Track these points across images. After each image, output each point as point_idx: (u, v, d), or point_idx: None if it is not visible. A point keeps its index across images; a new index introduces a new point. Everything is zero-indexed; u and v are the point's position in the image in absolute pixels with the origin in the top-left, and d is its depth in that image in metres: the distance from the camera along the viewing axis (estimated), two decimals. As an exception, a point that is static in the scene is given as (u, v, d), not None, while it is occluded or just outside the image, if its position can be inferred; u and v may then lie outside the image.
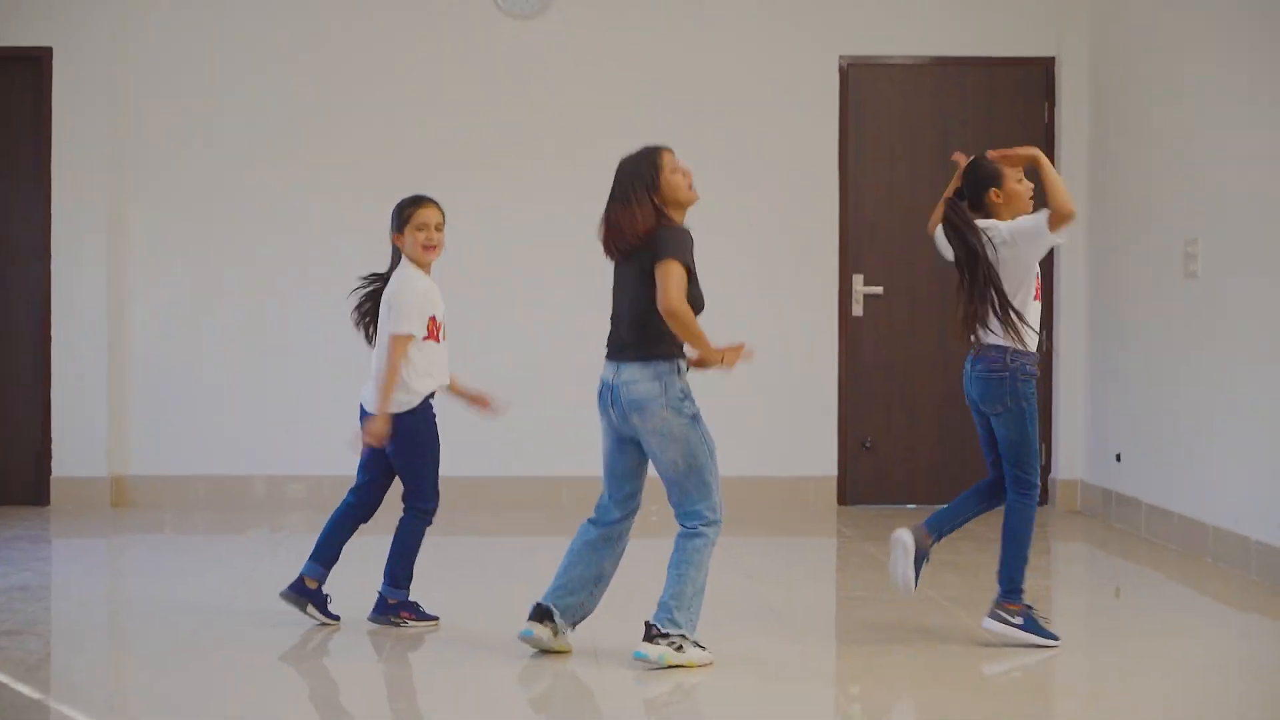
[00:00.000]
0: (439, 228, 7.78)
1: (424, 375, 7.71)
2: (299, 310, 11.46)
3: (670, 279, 6.90)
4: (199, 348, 11.46)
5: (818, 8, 11.62)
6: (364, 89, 11.54)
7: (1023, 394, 7.37)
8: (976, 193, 7.47)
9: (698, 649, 6.97)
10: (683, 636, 6.94)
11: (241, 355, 11.47)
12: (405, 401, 7.69)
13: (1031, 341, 7.38)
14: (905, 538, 7.53)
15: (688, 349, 7.03)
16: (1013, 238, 7.32)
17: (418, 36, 11.55)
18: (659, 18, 11.61)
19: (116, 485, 11.43)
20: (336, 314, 11.21)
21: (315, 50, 11.53)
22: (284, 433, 11.44)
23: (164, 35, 11.47)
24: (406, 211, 7.78)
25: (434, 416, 7.79)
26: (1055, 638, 7.39)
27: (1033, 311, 7.38)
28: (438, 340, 7.75)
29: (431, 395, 7.75)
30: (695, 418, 7.01)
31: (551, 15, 11.53)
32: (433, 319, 7.73)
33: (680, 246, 6.98)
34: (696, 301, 6.98)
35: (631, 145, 11.26)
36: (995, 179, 7.48)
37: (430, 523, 7.87)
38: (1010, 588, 7.45)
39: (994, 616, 7.45)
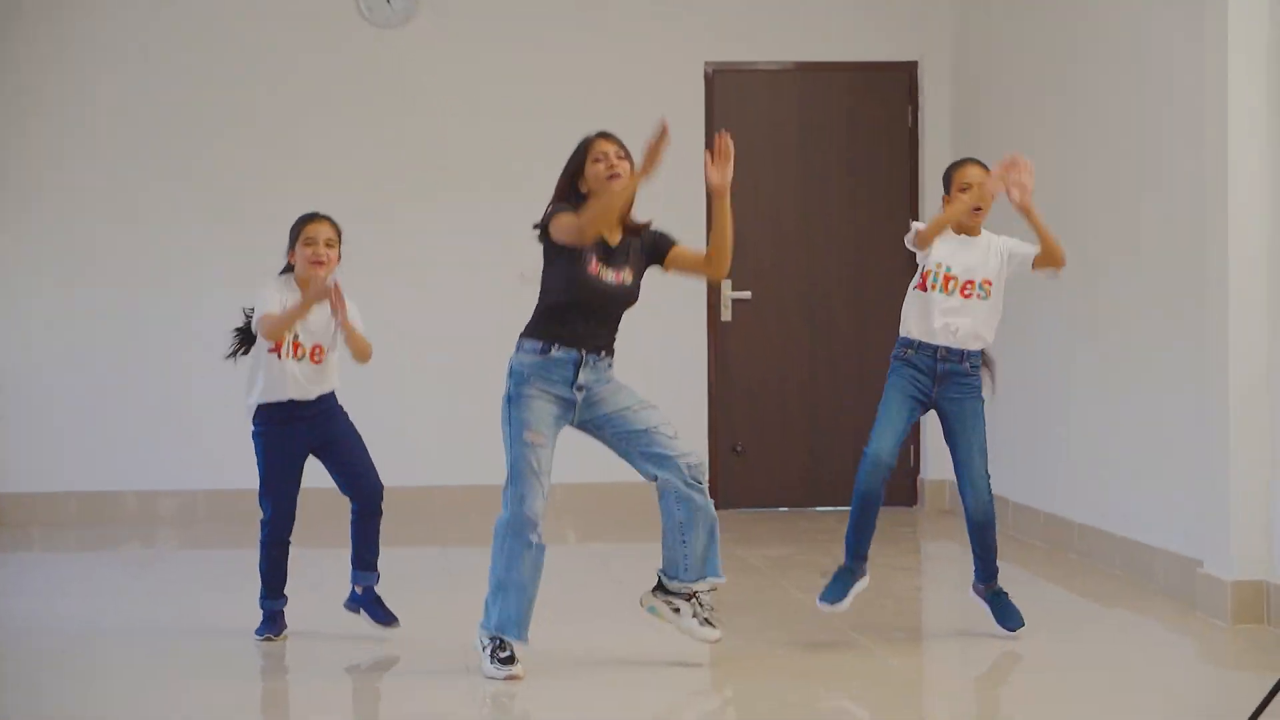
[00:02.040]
0: (329, 244, 7.58)
1: (264, 388, 7.55)
2: (164, 323, 11.24)
3: (557, 223, 6.78)
4: (64, 363, 11.22)
5: (682, 14, 11.57)
6: (226, 102, 11.36)
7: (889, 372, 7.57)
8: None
9: (492, 662, 6.82)
10: (487, 642, 6.86)
11: (108, 369, 11.24)
12: (249, 406, 7.58)
13: (906, 328, 7.52)
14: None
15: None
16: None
17: (281, 48, 11.40)
18: (525, 27, 11.52)
19: (-15, 503, 11.23)
20: (202, 326, 11.10)
21: (177, 64, 11.34)
22: (154, 446, 11.22)
23: (20, 54, 11.25)
24: (296, 228, 7.60)
25: (272, 432, 7.57)
26: None
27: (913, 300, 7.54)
28: (280, 356, 7.53)
29: (276, 410, 7.56)
30: (508, 399, 6.88)
31: (417, 25, 11.41)
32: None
33: (554, 209, 6.86)
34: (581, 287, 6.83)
35: (497, 152, 11.36)
36: (945, 187, 7.58)
37: (263, 536, 7.64)
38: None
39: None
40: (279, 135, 11.36)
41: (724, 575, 7.05)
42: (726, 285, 11.50)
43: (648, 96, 11.47)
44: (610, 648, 7.38)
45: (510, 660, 6.78)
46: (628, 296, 6.95)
